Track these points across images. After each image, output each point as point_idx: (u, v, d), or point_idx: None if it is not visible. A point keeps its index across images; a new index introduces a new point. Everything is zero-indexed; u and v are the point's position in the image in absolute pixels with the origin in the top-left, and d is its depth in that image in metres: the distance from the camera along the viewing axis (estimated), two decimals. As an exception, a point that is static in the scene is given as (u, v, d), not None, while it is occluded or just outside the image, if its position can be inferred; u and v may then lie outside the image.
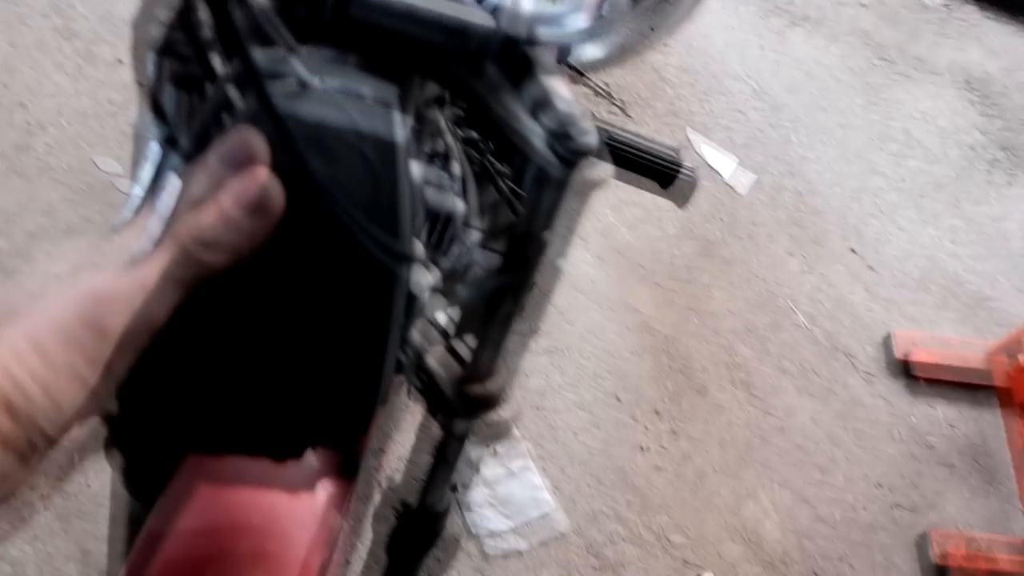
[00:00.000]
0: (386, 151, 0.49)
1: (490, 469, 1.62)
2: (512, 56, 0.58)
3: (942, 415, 1.89)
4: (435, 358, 0.69)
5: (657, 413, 1.75)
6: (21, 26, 1.85)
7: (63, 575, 1.36)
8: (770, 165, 2.11)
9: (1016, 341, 1.86)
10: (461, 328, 0.66)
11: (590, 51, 0.62)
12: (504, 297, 0.64)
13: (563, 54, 0.66)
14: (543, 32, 0.57)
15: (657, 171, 0.88)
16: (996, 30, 2.45)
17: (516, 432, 1.66)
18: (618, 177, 0.85)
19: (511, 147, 0.79)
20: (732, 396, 1.80)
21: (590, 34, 0.61)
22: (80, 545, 1.38)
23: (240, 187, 0.41)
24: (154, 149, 0.58)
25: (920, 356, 1.90)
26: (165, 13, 0.54)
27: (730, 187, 2.05)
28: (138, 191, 0.58)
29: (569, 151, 0.56)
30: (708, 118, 2.12)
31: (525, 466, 1.64)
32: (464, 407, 0.74)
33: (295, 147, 0.44)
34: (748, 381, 1.82)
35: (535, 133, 0.57)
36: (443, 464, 0.82)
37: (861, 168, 2.16)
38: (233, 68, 0.49)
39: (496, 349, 0.70)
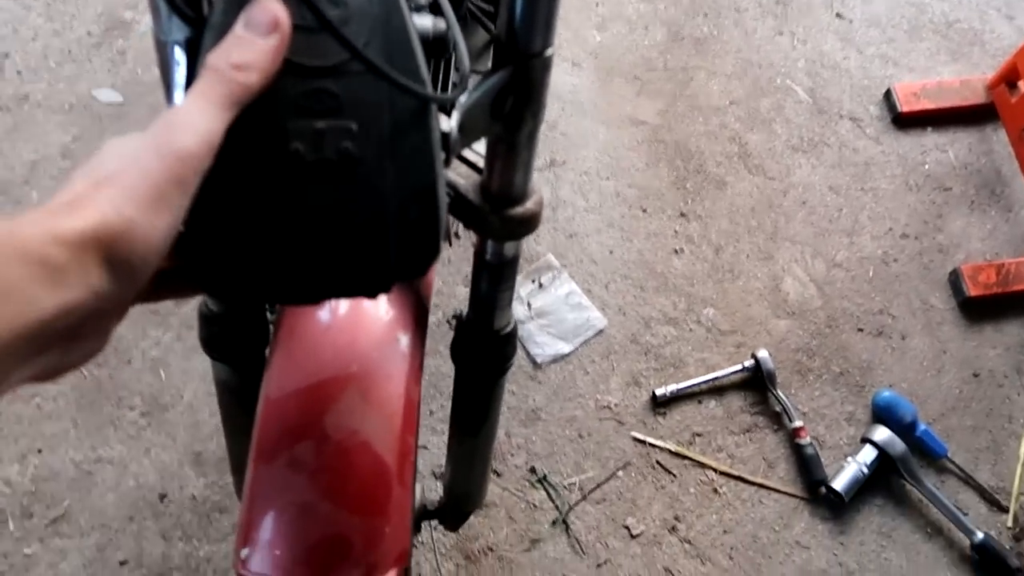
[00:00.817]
0: None
1: (539, 300, 1.70)
2: None
3: (953, 156, 1.94)
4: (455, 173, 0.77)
5: (683, 215, 1.81)
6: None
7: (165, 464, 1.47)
8: (742, -51, 2.09)
9: (1012, 69, 1.89)
10: (467, 137, 0.71)
11: None
12: (506, 99, 0.69)
13: None
14: None
15: None
16: None
17: (555, 261, 1.73)
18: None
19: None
20: (750, 183, 1.85)
21: None
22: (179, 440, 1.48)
23: (250, 14, 0.47)
24: (180, 56, 0.62)
25: (923, 104, 1.94)
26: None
27: (707, -20, 2.04)
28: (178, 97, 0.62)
29: None
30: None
31: (571, 291, 1.72)
32: (506, 230, 0.81)
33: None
34: (762, 165, 1.87)
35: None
36: (502, 284, 0.90)
37: (832, -69, 2.14)
38: None
39: (526, 170, 0.77)
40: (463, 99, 0.67)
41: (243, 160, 0.54)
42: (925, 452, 1.68)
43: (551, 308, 1.70)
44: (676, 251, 1.78)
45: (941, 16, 2.08)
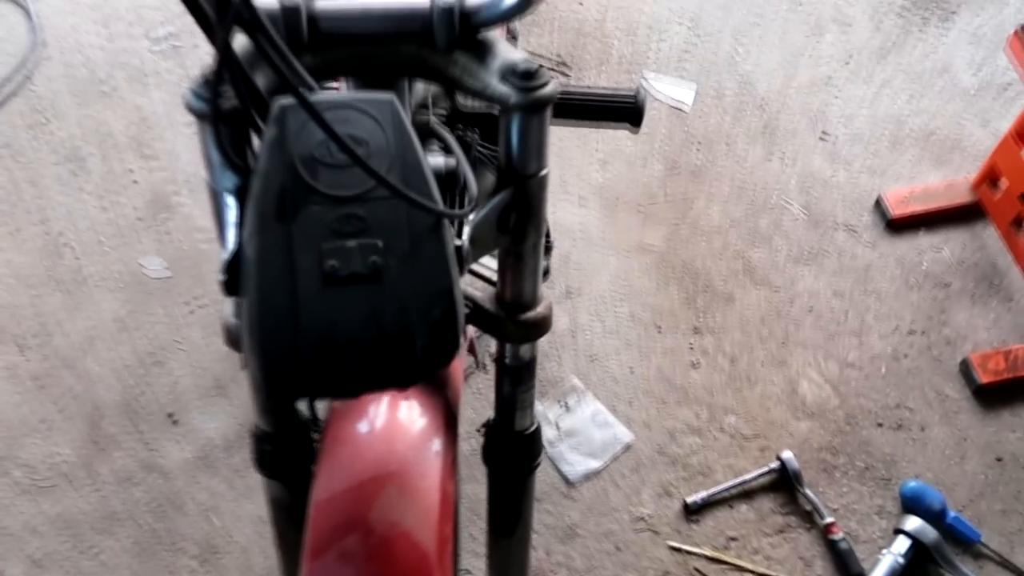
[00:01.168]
0: (385, 108, 0.67)
1: (566, 421, 1.79)
2: (473, 42, 0.77)
3: (948, 253, 2.04)
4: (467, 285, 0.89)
5: (696, 330, 1.91)
6: (39, 167, 2.03)
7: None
8: (726, 85, 2.27)
9: (992, 169, 2.02)
10: (479, 250, 0.83)
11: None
12: (509, 215, 0.82)
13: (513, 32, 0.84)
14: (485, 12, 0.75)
15: (620, 109, 1.02)
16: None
17: (579, 383, 1.82)
18: (587, 124, 1.01)
19: (493, 130, 0.97)
20: (757, 295, 1.96)
21: (522, 7, 0.78)
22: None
23: None
24: (231, 202, 0.76)
25: (912, 208, 2.06)
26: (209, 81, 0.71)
27: (695, 114, 2.21)
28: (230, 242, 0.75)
29: (535, 82, 0.75)
30: (657, 63, 2.29)
31: (596, 410, 1.81)
32: (521, 333, 0.93)
33: (323, 124, 0.63)
34: (766, 278, 1.98)
35: (507, 91, 0.76)
36: (522, 385, 1.01)
37: (806, 62, 2.31)
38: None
39: (534, 279, 0.89)
40: (473, 216, 0.80)
41: (288, 277, 0.67)
42: (958, 539, 1.71)
43: (579, 428, 1.79)
44: (693, 364, 1.87)
45: (920, 128, 2.23)
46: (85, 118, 2.10)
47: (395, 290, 0.69)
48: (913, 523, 1.68)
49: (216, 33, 0.63)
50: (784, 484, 1.74)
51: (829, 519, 1.70)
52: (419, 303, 0.70)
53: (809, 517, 1.72)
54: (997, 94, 2.27)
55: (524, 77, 0.75)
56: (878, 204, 2.09)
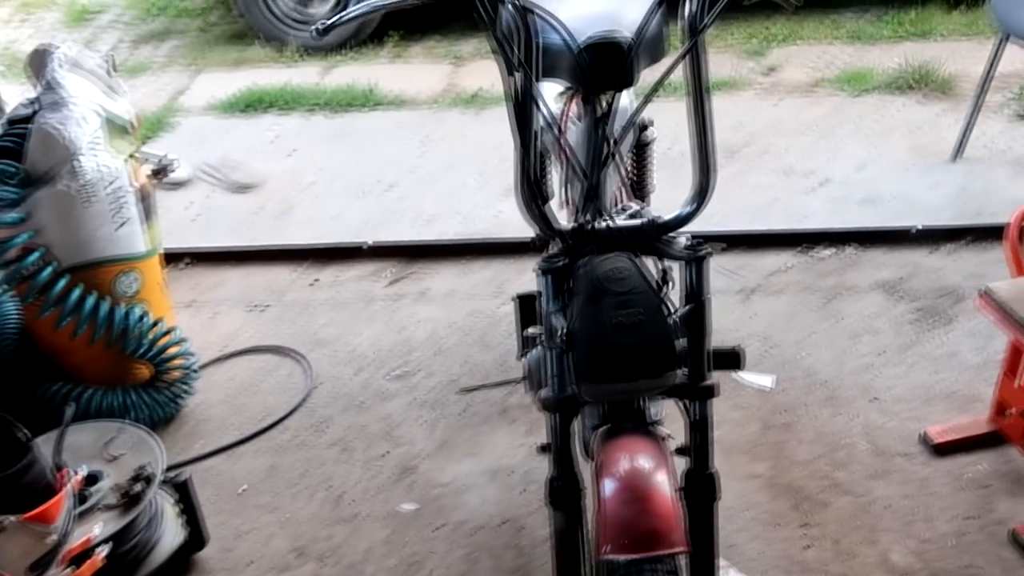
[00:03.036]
0: (630, 257, 1.66)
1: (720, 580, 2.42)
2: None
3: (985, 466, 2.74)
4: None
5: (804, 525, 2.59)
6: (319, 451, 2.91)
7: None
8: (795, 374, 3.13)
9: (999, 403, 2.79)
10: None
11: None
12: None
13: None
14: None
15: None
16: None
17: (724, 562, 2.48)
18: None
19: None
20: (845, 500, 2.65)
21: (688, 220, 1.76)
22: None
23: None
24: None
25: (950, 436, 2.81)
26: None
27: (775, 392, 3.06)
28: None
29: (700, 250, 1.71)
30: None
31: (740, 576, 2.45)
32: (702, 393, 1.79)
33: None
34: (851, 490, 2.69)
35: (686, 253, 1.73)
36: (704, 430, 1.82)
37: (852, 356, 3.18)
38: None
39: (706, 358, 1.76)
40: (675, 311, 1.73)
41: (596, 327, 1.60)
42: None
43: (729, 589, 2.42)
44: (806, 547, 2.53)
45: (945, 391, 3.02)
46: (349, 423, 3.02)
47: (648, 331, 1.61)
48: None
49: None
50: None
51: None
52: (658, 338, 1.62)
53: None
54: (995, 368, 3.09)
55: (692, 248, 1.70)
56: (923, 438, 2.84)
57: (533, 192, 1.73)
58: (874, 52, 5.52)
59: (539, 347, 1.93)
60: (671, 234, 1.78)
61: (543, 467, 1.94)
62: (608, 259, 1.71)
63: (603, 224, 1.74)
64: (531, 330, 2.35)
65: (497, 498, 2.73)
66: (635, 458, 1.75)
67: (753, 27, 5.85)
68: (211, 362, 3.33)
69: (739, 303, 3.46)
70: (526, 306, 2.67)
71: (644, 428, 1.90)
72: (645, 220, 1.78)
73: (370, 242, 3.83)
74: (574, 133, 2.36)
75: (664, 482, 1.69)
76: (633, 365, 1.68)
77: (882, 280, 3.56)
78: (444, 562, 2.54)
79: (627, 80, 1.97)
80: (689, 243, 1.76)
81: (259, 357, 3.36)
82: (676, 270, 1.78)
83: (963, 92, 4.85)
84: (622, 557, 1.63)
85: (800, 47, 5.74)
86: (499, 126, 4.90)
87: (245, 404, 3.17)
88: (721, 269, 3.55)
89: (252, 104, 5.24)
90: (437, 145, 4.77)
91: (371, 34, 6.08)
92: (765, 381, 3.12)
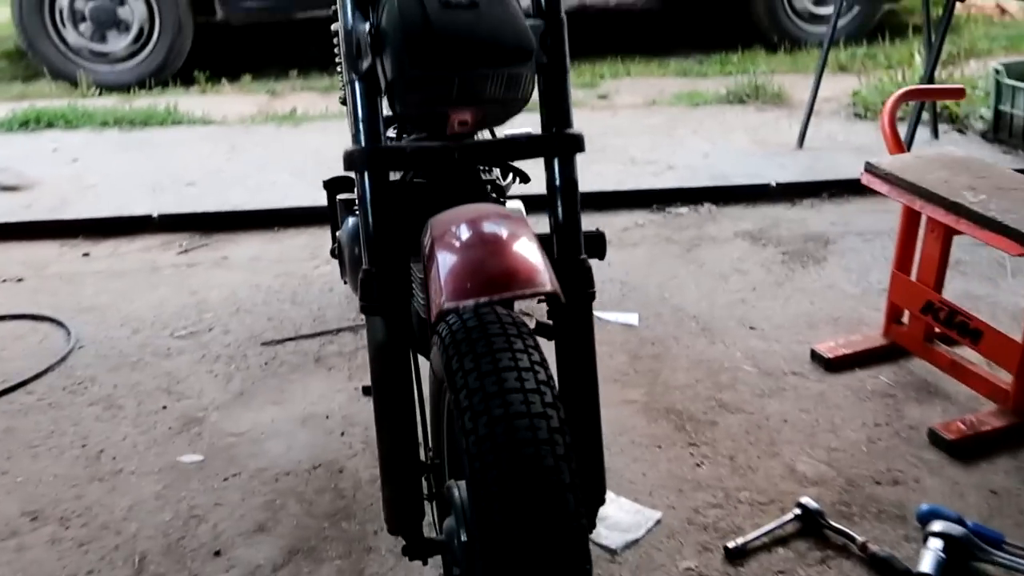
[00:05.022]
0: None
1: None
2: None
3: (884, 379, 2.37)
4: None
5: (692, 443, 2.12)
6: (78, 409, 2.23)
7: None
8: (662, 311, 2.70)
9: (892, 309, 2.45)
10: None
11: None
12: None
13: None
14: None
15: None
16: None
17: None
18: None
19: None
20: (736, 419, 2.21)
21: None
22: None
23: None
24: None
25: (842, 351, 2.43)
26: None
27: (642, 327, 2.62)
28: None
29: None
30: (600, 305, 2.74)
31: (620, 503, 1.93)
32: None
33: None
34: (740, 408, 2.25)
35: None
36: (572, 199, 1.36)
37: (721, 293, 2.78)
38: None
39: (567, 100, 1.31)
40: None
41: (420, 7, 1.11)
42: (984, 540, 1.80)
43: (607, 514, 1.88)
44: (697, 464, 2.05)
45: (827, 315, 2.67)
46: (118, 380, 2.36)
47: (488, 10, 1.14)
48: (940, 524, 1.79)
49: None
50: (811, 526, 1.84)
51: (861, 539, 1.79)
52: (504, 20, 1.15)
53: (843, 548, 1.80)
54: (878, 295, 2.77)
55: None
56: (814, 355, 2.45)
57: None
58: (704, 83, 5.43)
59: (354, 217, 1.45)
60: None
61: (368, 410, 1.46)
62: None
63: None
64: (346, 195, 1.85)
65: (309, 443, 2.12)
66: (479, 215, 1.24)
67: (580, 67, 5.68)
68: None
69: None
70: (338, 188, 2.19)
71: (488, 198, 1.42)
72: None
73: (157, 213, 3.22)
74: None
75: (522, 229, 1.20)
76: (470, 46, 1.19)
77: (744, 230, 3.23)
78: (235, 513, 1.89)
79: None
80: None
81: (3, 325, 2.66)
82: None
83: (796, 103, 4.77)
84: (464, 302, 1.10)
85: (632, 79, 5.61)
86: (319, 136, 4.57)
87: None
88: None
89: (31, 120, 4.56)
90: (248, 152, 4.20)
91: (175, 73, 5.55)
92: (630, 318, 2.67)
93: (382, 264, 1.30)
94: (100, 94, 5.37)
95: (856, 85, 4.93)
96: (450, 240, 1.17)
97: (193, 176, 3.87)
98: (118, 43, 5.55)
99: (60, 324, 2.62)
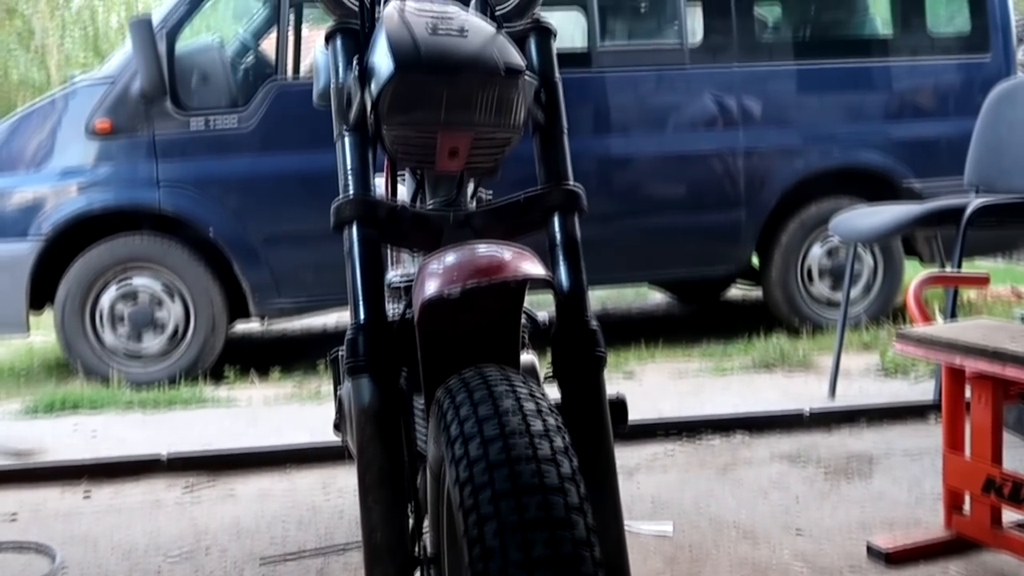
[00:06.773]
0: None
1: None
2: None
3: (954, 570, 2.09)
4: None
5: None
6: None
7: None
8: (699, 523, 2.47)
9: (951, 497, 2.22)
10: None
11: None
12: None
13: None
14: None
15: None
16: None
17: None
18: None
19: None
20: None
21: None
22: None
23: None
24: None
25: (902, 542, 2.17)
26: None
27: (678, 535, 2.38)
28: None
29: None
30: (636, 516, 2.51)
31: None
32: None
33: None
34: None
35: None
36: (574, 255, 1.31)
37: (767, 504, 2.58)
38: None
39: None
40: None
41: (409, 30, 1.16)
42: None
43: None
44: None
45: (880, 519, 2.43)
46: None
47: (475, 39, 1.18)
48: None
49: None
50: None
51: None
52: (493, 42, 1.19)
53: None
54: (934, 500, 2.52)
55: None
56: (870, 550, 2.19)
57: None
58: (730, 362, 5.43)
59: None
60: None
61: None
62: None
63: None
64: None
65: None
66: (470, 244, 1.17)
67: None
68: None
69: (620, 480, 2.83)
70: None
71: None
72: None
73: (166, 453, 3.10)
74: None
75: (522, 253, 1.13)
76: (459, 55, 1.20)
77: (781, 452, 3.04)
78: None
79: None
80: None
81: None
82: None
83: (823, 368, 4.71)
84: (450, 288, 1.01)
85: (657, 362, 5.62)
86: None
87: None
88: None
89: (56, 403, 4.55)
90: (269, 422, 4.10)
91: (208, 369, 5.64)
92: (664, 528, 2.43)
93: (371, 320, 1.21)
94: (133, 390, 5.43)
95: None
96: (437, 255, 1.09)
97: (210, 441, 3.78)
98: (153, 343, 5.70)
99: (45, 551, 2.43)
